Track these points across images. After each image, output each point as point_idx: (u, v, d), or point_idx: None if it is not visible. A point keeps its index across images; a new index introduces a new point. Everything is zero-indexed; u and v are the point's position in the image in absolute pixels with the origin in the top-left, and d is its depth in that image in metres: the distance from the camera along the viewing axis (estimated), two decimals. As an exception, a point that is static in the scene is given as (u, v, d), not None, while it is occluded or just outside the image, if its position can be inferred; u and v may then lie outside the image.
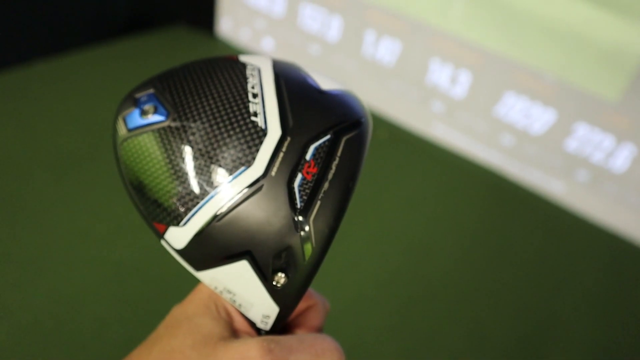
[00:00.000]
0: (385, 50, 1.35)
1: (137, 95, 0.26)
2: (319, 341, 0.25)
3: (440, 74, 1.29)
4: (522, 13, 1.14)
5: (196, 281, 0.27)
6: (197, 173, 0.24)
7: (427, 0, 1.24)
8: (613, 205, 1.17)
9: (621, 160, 1.12)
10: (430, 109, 1.35)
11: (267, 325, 0.25)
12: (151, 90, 0.26)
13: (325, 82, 0.28)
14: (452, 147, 1.36)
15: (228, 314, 0.27)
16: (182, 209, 0.24)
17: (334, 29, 1.41)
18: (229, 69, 0.27)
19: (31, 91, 1.20)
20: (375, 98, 1.44)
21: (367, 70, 1.41)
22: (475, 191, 1.23)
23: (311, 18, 1.44)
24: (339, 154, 0.25)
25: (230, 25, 1.65)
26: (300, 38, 1.50)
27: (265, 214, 0.23)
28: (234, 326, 0.26)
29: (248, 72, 0.27)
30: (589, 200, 1.20)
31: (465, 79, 1.25)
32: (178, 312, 0.26)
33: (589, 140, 1.14)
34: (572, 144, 1.17)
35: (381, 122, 1.41)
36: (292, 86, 0.27)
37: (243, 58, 0.29)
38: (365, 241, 0.99)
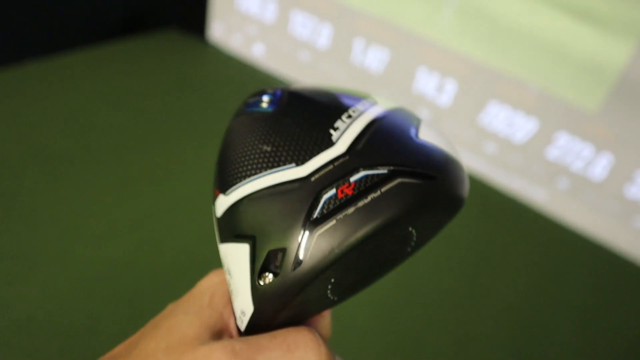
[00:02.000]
0: (374, 58, 1.37)
1: (268, 90, 0.30)
2: (292, 334, 0.24)
3: (426, 82, 1.31)
4: (507, 25, 1.17)
5: (191, 279, 0.28)
6: (258, 155, 0.26)
7: (415, 10, 1.27)
8: (592, 213, 1.20)
9: (600, 169, 1.15)
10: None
11: (242, 324, 0.25)
12: (279, 91, 0.29)
13: (429, 135, 0.27)
14: None
15: (225, 304, 0.26)
16: (233, 181, 0.26)
17: (324, 36, 1.44)
18: (351, 97, 0.29)
19: (23, 91, 1.20)
20: None
21: (356, 77, 1.44)
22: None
23: (302, 25, 1.46)
24: (383, 189, 0.23)
25: (222, 30, 1.67)
26: (290, 44, 1.52)
27: (283, 210, 0.24)
28: (225, 320, 0.25)
29: (367, 100, 0.29)
30: (569, 207, 1.23)
31: (451, 87, 1.28)
32: (168, 309, 0.26)
33: (570, 149, 1.17)
34: (553, 153, 1.20)
35: None
36: (386, 123, 0.26)
37: (386, 103, 0.29)
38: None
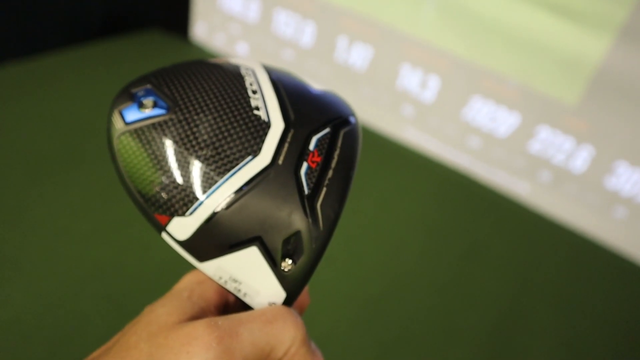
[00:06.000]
0: (358, 55, 1.38)
1: (134, 90, 0.27)
2: (269, 309, 0.25)
3: (410, 79, 1.33)
4: (487, 21, 1.19)
5: (178, 278, 0.28)
6: (203, 163, 0.24)
7: (398, 8, 1.29)
8: (573, 204, 1.22)
9: (580, 161, 1.17)
10: (401, 113, 1.39)
11: None
12: (148, 86, 0.27)
13: (314, 84, 0.30)
14: (423, 149, 1.40)
15: (205, 300, 0.26)
16: (188, 199, 0.24)
17: (307, 34, 1.44)
18: (222, 68, 0.28)
19: (4, 93, 1.19)
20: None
21: (340, 75, 1.44)
22: (444, 192, 1.27)
23: (285, 24, 1.46)
24: (339, 144, 0.27)
25: (204, 30, 1.66)
26: (274, 43, 1.52)
27: (274, 200, 0.24)
28: (205, 314, 0.26)
29: (242, 71, 0.28)
30: (551, 200, 1.25)
31: (434, 84, 1.30)
32: (146, 309, 0.25)
33: (551, 143, 1.20)
34: (534, 146, 1.23)
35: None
36: (287, 85, 0.28)
37: (233, 60, 0.30)
38: (339, 240, 1.01)
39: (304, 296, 0.30)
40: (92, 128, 1.14)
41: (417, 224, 1.12)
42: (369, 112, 1.44)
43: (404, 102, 1.37)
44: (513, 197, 1.30)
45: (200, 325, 0.22)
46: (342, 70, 1.43)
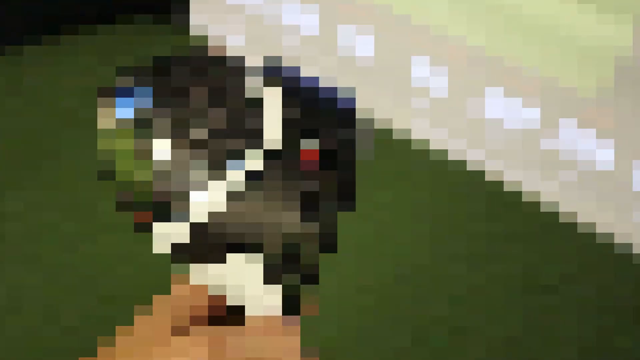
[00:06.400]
0: (364, 44, 1.33)
1: (119, 85, 0.26)
2: (263, 318, 0.26)
3: (421, 70, 1.28)
4: (504, 8, 1.16)
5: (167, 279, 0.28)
6: (195, 160, 0.24)
7: (407, -7, 1.23)
8: (594, 203, 1.18)
9: (603, 156, 1.14)
10: (411, 106, 1.34)
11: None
12: (134, 80, 0.26)
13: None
14: (434, 146, 1.35)
15: (195, 308, 0.26)
16: (176, 199, 0.24)
17: (310, 20, 1.38)
18: (215, 62, 0.28)
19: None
20: (359, 98, 1.43)
21: (344, 65, 1.38)
22: (458, 192, 1.22)
23: (287, 10, 1.41)
24: (339, 142, 0.27)
25: (200, 19, 1.60)
26: (274, 31, 1.45)
27: (273, 204, 0.24)
28: (200, 321, 0.26)
29: (241, 64, 0.28)
30: (574, 199, 1.21)
31: (445, 75, 1.25)
32: (137, 317, 0.26)
33: (573, 137, 1.16)
34: (555, 141, 1.18)
35: (360, 120, 1.41)
36: (286, 80, 0.28)
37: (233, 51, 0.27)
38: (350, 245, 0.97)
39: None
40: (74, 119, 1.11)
41: (429, 226, 1.09)
42: (376, 104, 1.39)
43: (413, 94, 1.32)
44: (533, 197, 1.23)
45: (191, 336, 0.23)
46: (346, 60, 1.36)
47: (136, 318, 0.25)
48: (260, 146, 0.24)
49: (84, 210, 0.93)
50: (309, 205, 0.24)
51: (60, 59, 1.31)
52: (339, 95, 0.28)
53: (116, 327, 0.25)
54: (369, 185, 1.16)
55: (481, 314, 0.91)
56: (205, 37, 1.57)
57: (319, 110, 0.27)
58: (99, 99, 0.26)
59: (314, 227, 0.24)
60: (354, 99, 0.30)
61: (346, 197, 0.25)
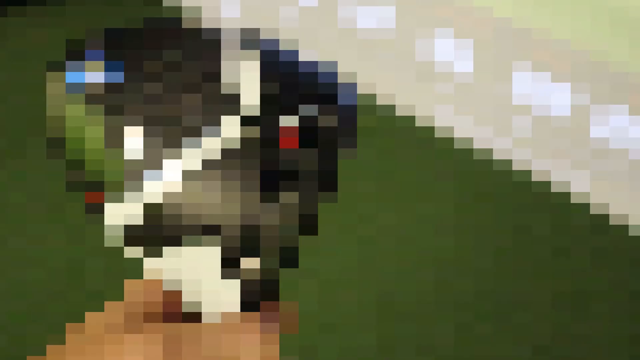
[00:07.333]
0: (373, 17, 1.24)
1: (78, 49, 0.25)
2: (221, 315, 0.26)
3: (442, 46, 1.19)
4: None
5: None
6: (154, 137, 0.23)
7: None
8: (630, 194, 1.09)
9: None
10: (431, 89, 1.25)
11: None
12: (97, 45, 0.25)
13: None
14: (456, 133, 1.26)
15: (152, 305, 0.25)
16: (132, 178, 0.24)
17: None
18: (185, 32, 0.26)
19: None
20: (362, 75, 1.33)
21: (349, 39, 1.29)
22: (483, 183, 1.15)
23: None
24: (318, 126, 0.26)
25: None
26: (271, 1, 1.36)
27: (234, 186, 0.24)
28: (158, 318, 0.25)
29: (222, 37, 0.27)
30: (617, 194, 1.11)
31: (471, 53, 1.16)
32: (89, 314, 0.26)
33: (621, 126, 1.07)
34: (600, 130, 1.09)
35: (370, 103, 1.30)
36: (270, 57, 0.27)
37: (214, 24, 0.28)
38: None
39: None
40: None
41: (450, 221, 1.05)
42: (388, 86, 1.29)
43: (433, 75, 1.22)
44: (566, 190, 1.14)
45: (145, 334, 0.23)
46: (351, 33, 1.28)
47: (87, 315, 0.24)
48: (237, 112, 0.23)
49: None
50: (288, 186, 0.24)
51: (27, 30, 1.25)
52: (320, 69, 0.27)
53: (66, 324, 0.24)
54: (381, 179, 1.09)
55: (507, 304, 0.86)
56: (179, 9, 1.46)
57: (297, 85, 0.26)
58: (51, 64, 0.25)
59: (293, 209, 0.24)
60: (335, 73, 0.27)
61: (327, 177, 0.25)
